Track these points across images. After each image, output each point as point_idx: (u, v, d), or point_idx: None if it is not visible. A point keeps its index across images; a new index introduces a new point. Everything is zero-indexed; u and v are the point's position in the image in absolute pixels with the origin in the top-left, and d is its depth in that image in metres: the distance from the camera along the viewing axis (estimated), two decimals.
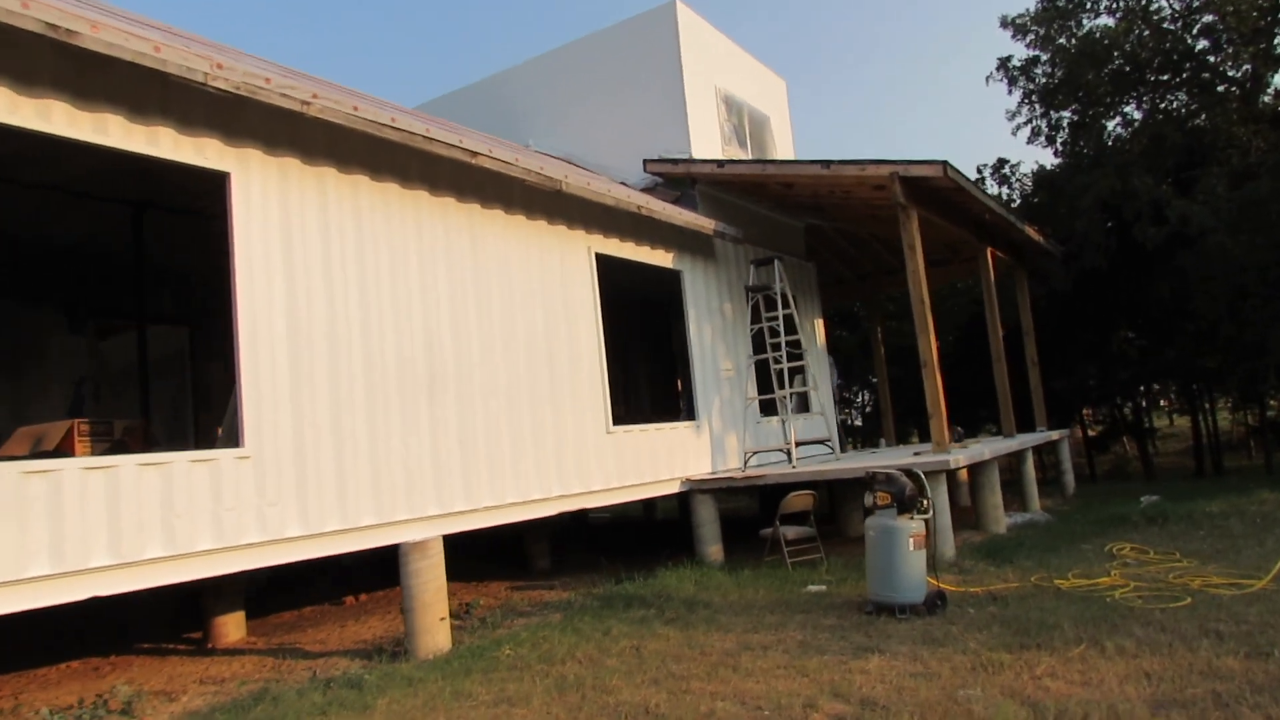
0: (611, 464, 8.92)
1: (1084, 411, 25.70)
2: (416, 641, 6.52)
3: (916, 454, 10.06)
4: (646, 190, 11.51)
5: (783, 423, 11.14)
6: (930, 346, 9.68)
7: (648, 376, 15.78)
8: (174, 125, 5.61)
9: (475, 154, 7.15)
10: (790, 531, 8.87)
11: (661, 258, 10.33)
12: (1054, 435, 13.91)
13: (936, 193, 10.21)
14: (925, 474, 8.82)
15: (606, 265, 9.72)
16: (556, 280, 8.62)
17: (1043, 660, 5.17)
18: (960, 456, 9.11)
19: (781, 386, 11.50)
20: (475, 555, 12.92)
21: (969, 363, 21.80)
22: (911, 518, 6.69)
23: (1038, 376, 14.72)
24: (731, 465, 10.83)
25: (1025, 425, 15.19)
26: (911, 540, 6.61)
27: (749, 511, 16.32)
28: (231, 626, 8.00)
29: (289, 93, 5.77)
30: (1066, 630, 5.77)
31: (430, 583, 6.59)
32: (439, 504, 6.95)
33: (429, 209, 7.31)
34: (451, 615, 8.34)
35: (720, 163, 10.68)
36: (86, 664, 7.39)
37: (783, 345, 10.64)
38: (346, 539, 6.26)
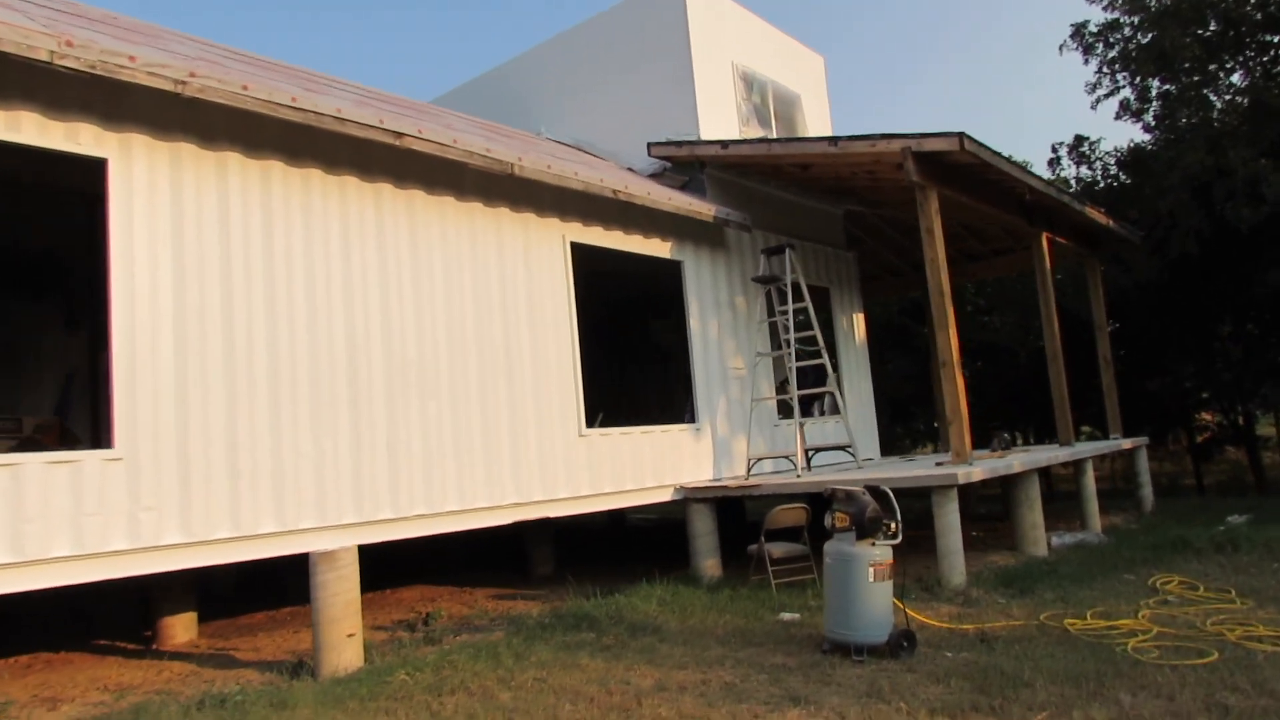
0: (583, 470, 8.25)
1: (1200, 415, 23.32)
2: (321, 658, 6.04)
3: (939, 464, 8.99)
4: (654, 176, 10.78)
5: (799, 426, 10.22)
6: (950, 344, 8.59)
7: (668, 376, 15.04)
8: (40, 109, 5.27)
9: (400, 135, 6.61)
10: (777, 549, 7.99)
11: (657, 247, 9.58)
12: (1125, 444, 12.39)
13: (960, 169, 9.08)
14: (935, 488, 7.81)
15: (599, 256, 9.08)
16: (520, 272, 8.01)
17: None
18: (977, 469, 8.02)
19: (799, 386, 10.59)
20: (480, 558, 12.50)
21: (1081, 364, 20.01)
22: (874, 543, 5.77)
23: (1111, 377, 13.19)
24: (739, 472, 9.98)
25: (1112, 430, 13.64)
26: (872, 570, 5.69)
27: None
28: (179, 628, 7.75)
29: (159, 71, 5.35)
30: (1039, 690, 4.78)
31: (338, 596, 6.09)
32: (358, 511, 6.45)
33: (358, 197, 6.81)
34: (407, 627, 7.91)
35: (724, 143, 9.83)
36: (19, 661, 7.25)
37: (792, 342, 9.73)
38: (240, 547, 5.83)
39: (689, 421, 9.70)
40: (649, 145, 10.54)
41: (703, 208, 9.45)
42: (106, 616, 9.11)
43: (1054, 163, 16.25)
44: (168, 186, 5.76)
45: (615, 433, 8.67)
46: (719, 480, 9.67)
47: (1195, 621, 6.14)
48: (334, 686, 5.63)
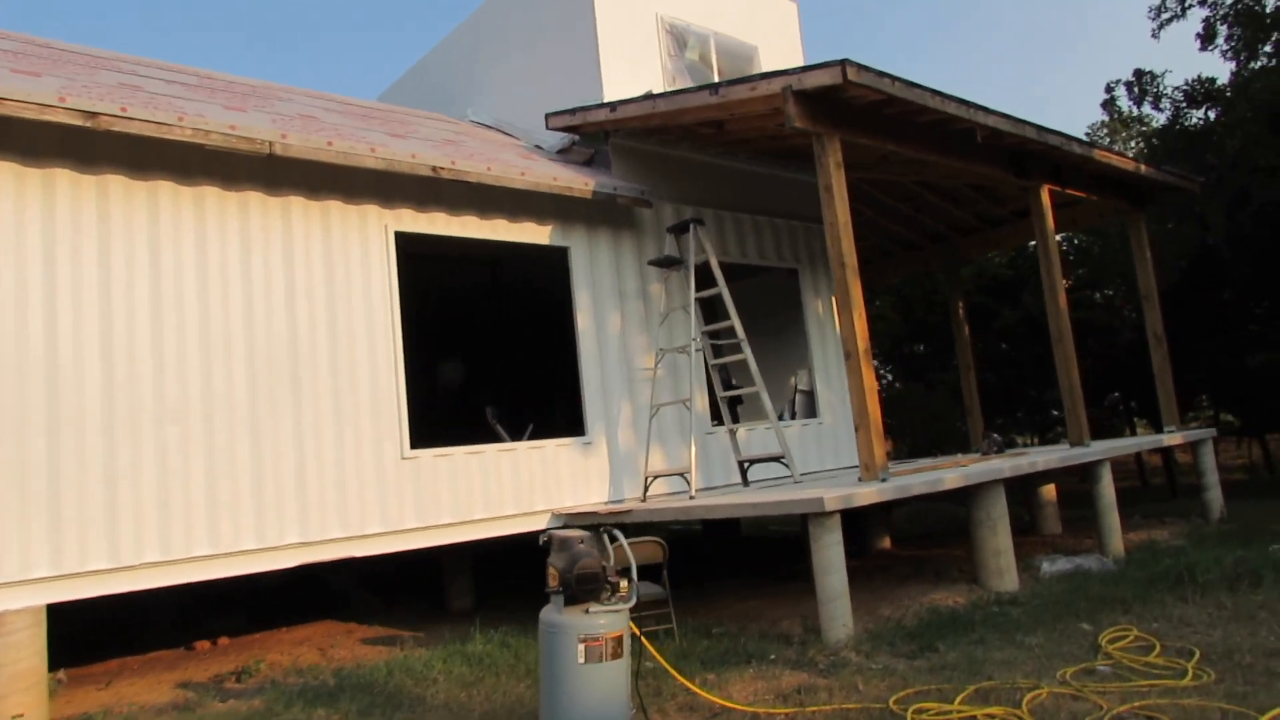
0: (408, 500, 7.03)
1: None
2: None
3: (879, 477, 7.19)
4: (562, 151, 9.42)
5: (731, 434, 8.64)
6: (856, 329, 6.82)
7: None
8: None
9: (94, 114, 5.60)
10: None
11: (531, 232, 8.23)
12: (1171, 439, 9.97)
13: (875, 111, 7.26)
14: (810, 516, 6.10)
15: (461, 248, 7.90)
16: (319, 268, 6.88)
17: None
18: (867, 491, 6.25)
19: (726, 386, 9.01)
20: (414, 586, 11.39)
21: (1171, 339, 17.19)
22: (587, 611, 4.26)
23: (1163, 356, 10.74)
24: (651, 491, 8.48)
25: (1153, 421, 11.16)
26: (583, 648, 4.19)
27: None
28: None
29: None
30: None
31: (3, 669, 5.14)
32: (55, 563, 5.48)
33: (71, 191, 5.86)
34: (214, 684, 6.93)
35: (613, 105, 8.36)
36: None
37: (693, 334, 8.16)
38: None
39: (579, 435, 8.30)
40: (547, 117, 9.21)
41: (575, 182, 8.02)
42: None
43: (1108, 104, 13.59)
44: None
45: (458, 453, 7.40)
46: (619, 502, 8.24)
47: (1095, 711, 4.29)
48: None
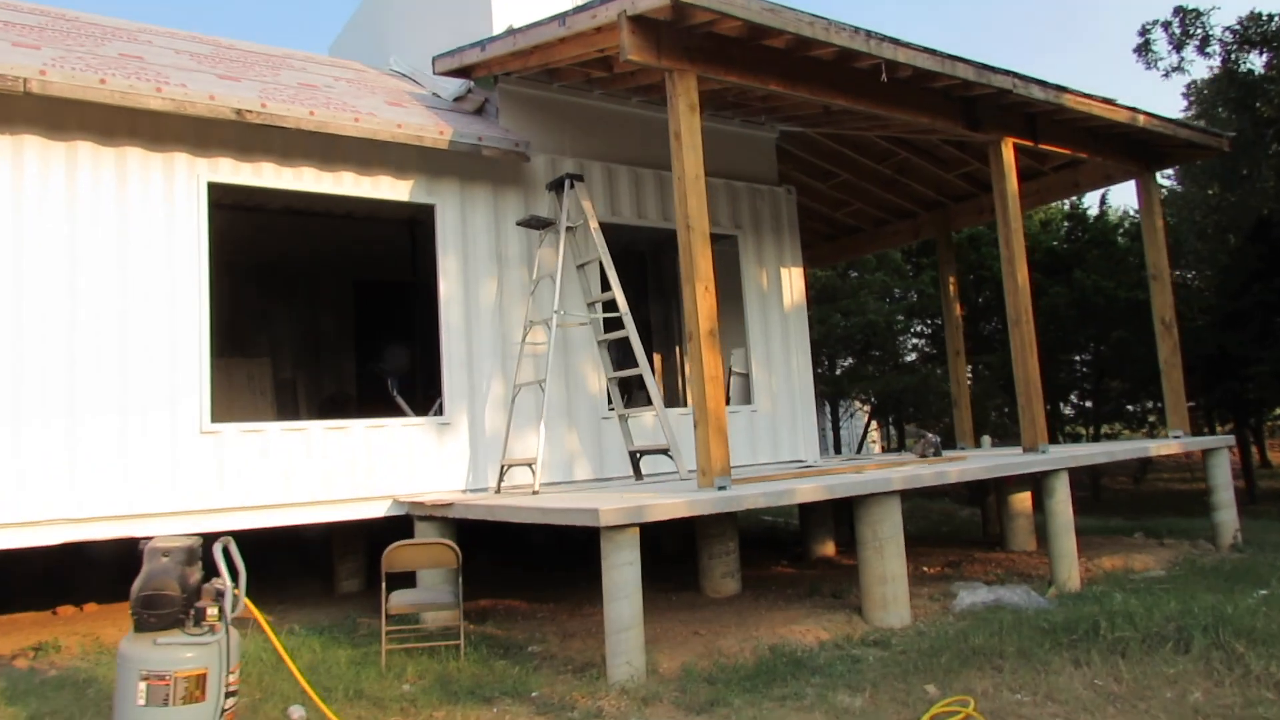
0: (209, 476, 6.35)
1: None
2: None
3: (715, 485, 6.09)
4: (459, 99, 8.52)
5: (622, 420, 7.67)
6: (699, 307, 5.72)
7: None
8: None
9: None
10: (400, 600, 5.64)
11: (387, 187, 7.37)
12: (1167, 446, 8.38)
13: (742, 42, 6.04)
14: (603, 530, 5.06)
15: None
16: (109, 221, 6.20)
17: None
18: (673, 503, 5.18)
19: (618, 366, 8.04)
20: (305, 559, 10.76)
21: (1244, 320, 15.24)
22: (156, 641, 3.44)
23: (1171, 345, 9.09)
24: (519, 481, 7.58)
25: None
26: (144, 687, 3.38)
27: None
28: None
29: None
30: None
31: None
32: None
33: None
34: (9, 658, 6.48)
35: (483, 44, 7.40)
36: None
37: (556, 306, 7.18)
38: None
39: (436, 414, 7.47)
40: (433, 61, 8.31)
41: (427, 130, 7.10)
42: None
43: (1143, 49, 11.56)
44: None
45: (273, 429, 6.67)
46: (481, 491, 7.40)
47: None
48: None
